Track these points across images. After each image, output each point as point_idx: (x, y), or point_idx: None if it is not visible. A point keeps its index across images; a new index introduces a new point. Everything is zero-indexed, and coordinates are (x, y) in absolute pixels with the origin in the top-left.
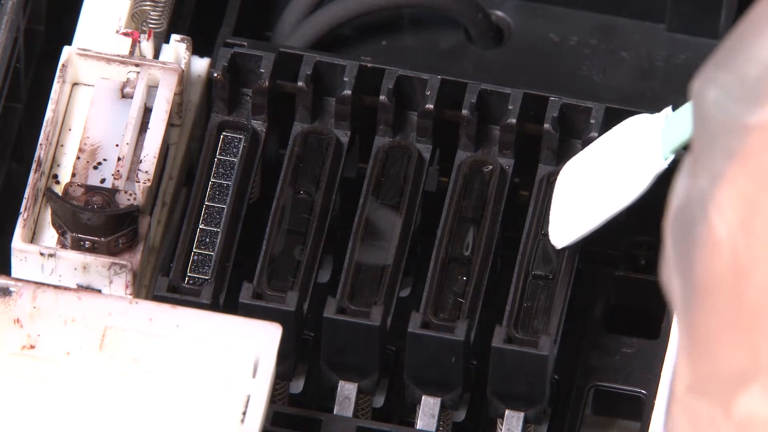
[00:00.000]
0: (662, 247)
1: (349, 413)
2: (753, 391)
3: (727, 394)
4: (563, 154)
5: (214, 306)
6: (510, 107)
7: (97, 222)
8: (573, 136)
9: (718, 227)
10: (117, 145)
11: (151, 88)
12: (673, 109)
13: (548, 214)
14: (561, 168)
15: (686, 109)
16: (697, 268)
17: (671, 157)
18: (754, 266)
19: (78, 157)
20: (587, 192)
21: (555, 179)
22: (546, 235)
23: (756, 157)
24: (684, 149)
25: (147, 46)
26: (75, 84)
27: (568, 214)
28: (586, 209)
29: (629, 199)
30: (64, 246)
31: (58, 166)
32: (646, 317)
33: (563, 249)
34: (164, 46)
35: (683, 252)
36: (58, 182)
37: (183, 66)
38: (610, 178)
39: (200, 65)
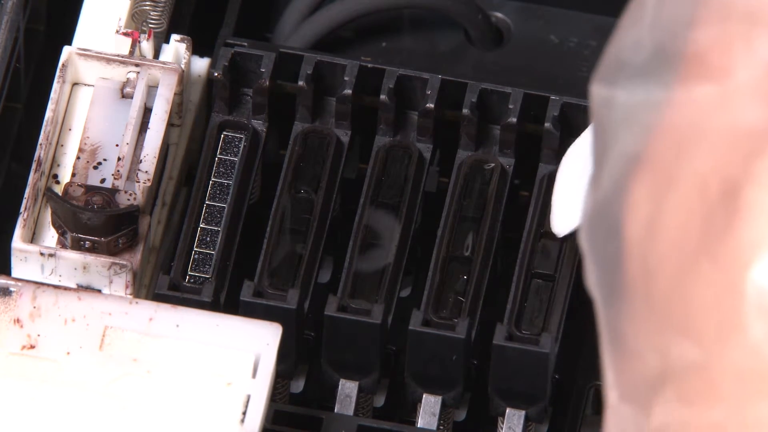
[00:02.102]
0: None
1: (350, 412)
2: (666, 394)
3: (647, 399)
4: (563, 153)
5: (215, 304)
6: (510, 107)
7: (97, 222)
8: (573, 135)
9: (630, 228)
10: (117, 145)
11: (151, 88)
12: None
13: (549, 214)
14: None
15: None
16: (613, 272)
17: None
18: (661, 265)
19: (78, 157)
20: (587, 178)
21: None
22: (546, 234)
23: (658, 149)
24: None
25: (147, 46)
26: (75, 84)
27: (571, 200)
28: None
29: None
30: (64, 246)
31: (58, 166)
32: None
33: (564, 248)
34: (164, 46)
35: (601, 259)
36: (58, 182)
37: (183, 66)
38: None
39: (200, 65)
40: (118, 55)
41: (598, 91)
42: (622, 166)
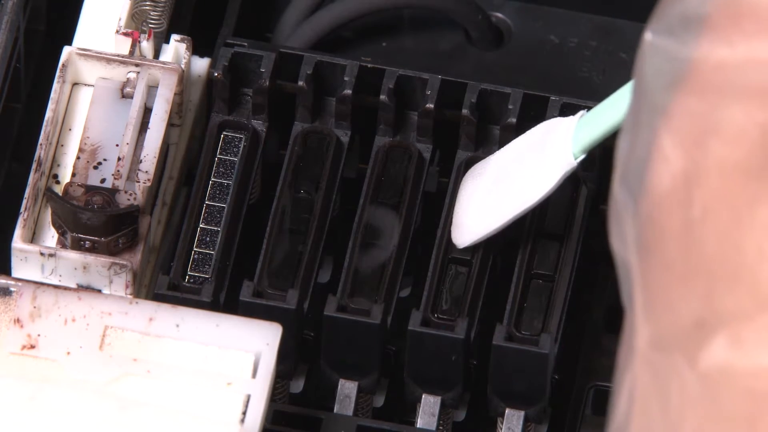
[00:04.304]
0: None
1: (350, 412)
2: (718, 342)
3: (690, 346)
4: None
5: (214, 304)
6: (510, 107)
7: (97, 222)
8: None
9: (660, 180)
10: (117, 145)
11: (151, 88)
12: None
13: (549, 213)
14: None
15: (598, 109)
16: (645, 223)
17: (581, 157)
18: (706, 215)
19: (78, 157)
20: (495, 191)
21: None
22: (546, 234)
23: (698, 94)
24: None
25: (147, 46)
26: (75, 84)
27: (474, 213)
28: (492, 208)
29: (537, 197)
30: (64, 246)
31: (58, 166)
32: None
33: (563, 248)
34: (164, 46)
35: (631, 210)
36: (58, 182)
37: (183, 66)
38: (519, 176)
39: (200, 65)
40: (118, 55)
41: (652, 41)
42: (651, 120)
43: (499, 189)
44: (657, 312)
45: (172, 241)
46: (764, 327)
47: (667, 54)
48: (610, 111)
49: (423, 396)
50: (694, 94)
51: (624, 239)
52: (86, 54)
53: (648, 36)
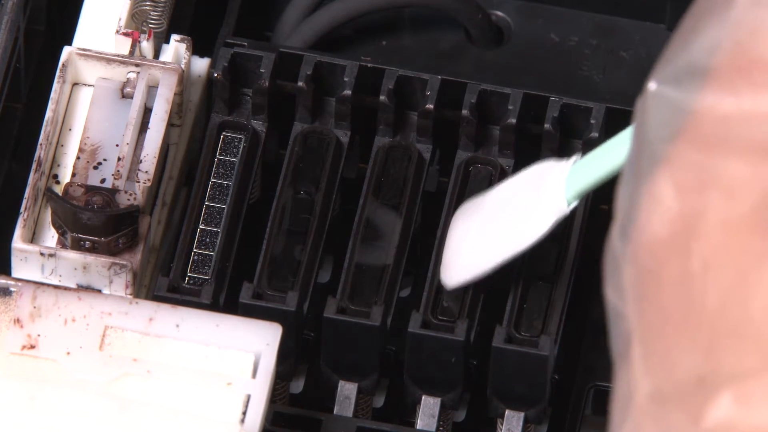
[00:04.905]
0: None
1: (349, 413)
2: (723, 399)
3: (694, 402)
4: (563, 154)
5: (214, 306)
6: (510, 107)
7: (97, 222)
8: (573, 136)
9: (658, 222)
10: (117, 145)
11: (151, 88)
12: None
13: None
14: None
15: (593, 155)
16: (641, 270)
17: (574, 203)
18: (707, 268)
19: (78, 157)
20: (485, 232)
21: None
22: (546, 236)
23: (701, 145)
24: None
25: (147, 46)
26: (75, 84)
27: (463, 254)
28: (482, 250)
29: (528, 241)
30: (64, 246)
31: (58, 166)
32: None
33: (564, 249)
34: (164, 46)
35: (629, 258)
36: (58, 182)
37: (183, 66)
38: (511, 220)
39: (200, 65)
40: (118, 55)
41: (656, 91)
42: (652, 170)
43: (490, 231)
44: (657, 364)
45: (172, 242)
46: None
47: (672, 104)
48: (605, 158)
49: (423, 397)
50: (697, 145)
51: (620, 288)
52: (86, 54)
53: (652, 85)
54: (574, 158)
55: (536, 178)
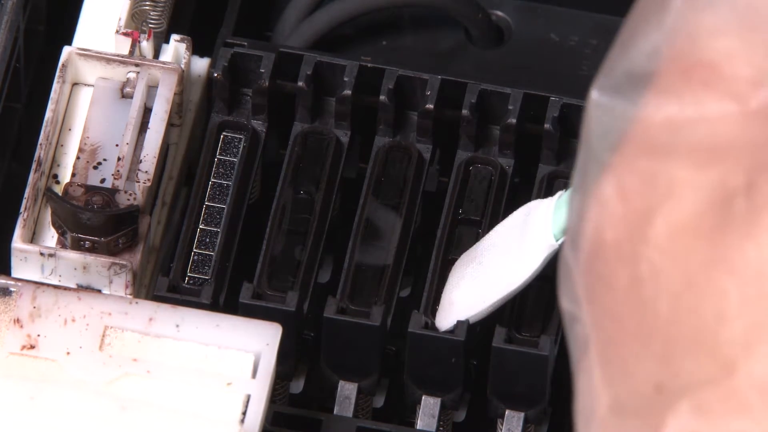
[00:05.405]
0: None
1: (350, 413)
2: (681, 409)
3: (652, 413)
4: (563, 154)
5: (214, 306)
6: (510, 107)
7: (97, 222)
8: (573, 136)
9: (602, 224)
10: (117, 145)
11: (151, 88)
12: None
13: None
14: (561, 168)
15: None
16: (590, 275)
17: (563, 239)
18: (657, 276)
19: (78, 157)
20: (479, 276)
21: (555, 179)
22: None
23: (645, 151)
24: None
25: (147, 46)
26: (75, 84)
27: (458, 298)
28: (476, 293)
29: (520, 281)
30: (64, 246)
31: (58, 166)
32: None
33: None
34: (164, 46)
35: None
36: (58, 182)
37: (183, 66)
38: (502, 261)
39: (200, 65)
40: (118, 55)
41: (598, 99)
42: (595, 175)
43: (483, 274)
44: (615, 374)
45: (172, 242)
46: (729, 393)
47: (614, 112)
48: None
49: (423, 397)
50: (641, 151)
51: (574, 297)
52: (86, 54)
53: (594, 94)
54: (558, 194)
55: (524, 217)
